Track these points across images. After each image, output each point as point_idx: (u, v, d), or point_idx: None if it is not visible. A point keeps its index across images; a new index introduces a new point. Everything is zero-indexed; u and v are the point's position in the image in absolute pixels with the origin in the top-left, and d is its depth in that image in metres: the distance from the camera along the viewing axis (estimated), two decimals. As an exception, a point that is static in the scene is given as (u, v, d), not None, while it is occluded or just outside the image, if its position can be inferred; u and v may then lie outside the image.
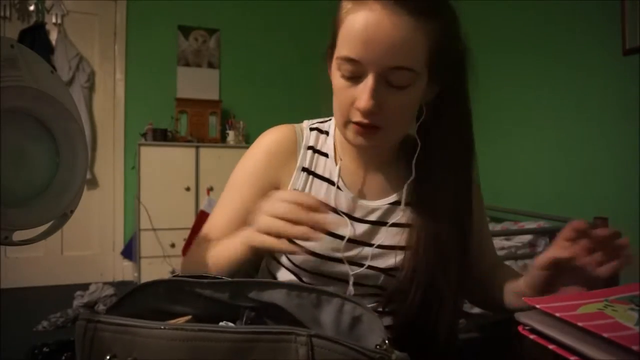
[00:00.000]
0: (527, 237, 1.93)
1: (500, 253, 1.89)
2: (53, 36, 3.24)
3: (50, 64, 0.51)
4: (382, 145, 0.72)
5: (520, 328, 0.49)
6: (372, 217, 0.75)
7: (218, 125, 3.45)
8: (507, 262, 1.84)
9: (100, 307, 2.72)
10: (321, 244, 0.73)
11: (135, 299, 0.52)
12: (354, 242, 0.74)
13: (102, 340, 0.41)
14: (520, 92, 2.52)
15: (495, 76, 2.69)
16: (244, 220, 0.71)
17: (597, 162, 2.07)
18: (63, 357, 0.48)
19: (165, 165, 3.09)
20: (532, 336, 0.48)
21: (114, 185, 3.48)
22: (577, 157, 2.18)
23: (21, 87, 0.46)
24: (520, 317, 0.49)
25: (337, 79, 0.66)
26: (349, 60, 0.62)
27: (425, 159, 0.72)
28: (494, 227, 2.29)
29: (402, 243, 0.73)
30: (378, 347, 0.41)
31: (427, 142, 0.72)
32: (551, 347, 0.45)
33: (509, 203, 2.57)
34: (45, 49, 3.14)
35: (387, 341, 0.41)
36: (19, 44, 0.47)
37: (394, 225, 0.75)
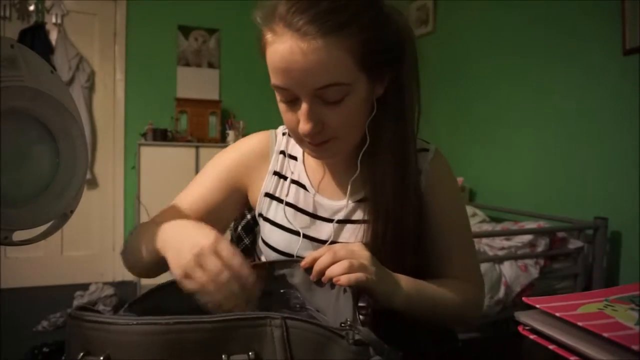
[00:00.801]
0: (527, 237, 1.93)
1: (500, 253, 1.89)
2: (53, 36, 3.24)
3: (50, 64, 0.51)
4: (341, 154, 0.72)
5: (520, 328, 0.49)
6: (339, 216, 0.76)
7: (218, 125, 3.45)
8: (507, 262, 1.86)
9: (101, 307, 2.72)
10: (290, 244, 0.76)
11: (155, 298, 0.53)
12: (321, 242, 0.75)
13: (79, 337, 0.42)
14: (520, 92, 2.52)
15: (495, 76, 2.69)
16: (199, 212, 0.77)
17: (597, 162, 2.07)
18: (63, 357, 0.49)
19: (165, 165, 3.09)
20: (532, 336, 0.48)
21: (114, 185, 3.48)
22: (577, 157, 2.18)
23: (21, 87, 0.46)
24: (521, 317, 0.49)
25: (279, 103, 0.68)
26: (279, 88, 0.64)
27: (375, 153, 0.72)
28: (494, 227, 2.29)
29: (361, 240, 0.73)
30: (343, 324, 0.43)
31: (375, 136, 0.72)
32: (551, 347, 0.45)
33: (509, 203, 2.57)
34: (45, 49, 3.14)
35: (348, 320, 0.44)
36: (19, 44, 0.47)
37: (353, 222, 0.75)
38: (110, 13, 3.43)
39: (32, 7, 3.18)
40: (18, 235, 0.48)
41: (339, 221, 0.76)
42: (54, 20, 3.24)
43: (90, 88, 3.39)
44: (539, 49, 2.38)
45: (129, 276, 3.46)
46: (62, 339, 0.54)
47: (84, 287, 2.94)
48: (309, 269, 0.61)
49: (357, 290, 0.57)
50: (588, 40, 2.10)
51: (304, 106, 0.63)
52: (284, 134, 0.84)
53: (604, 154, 2.04)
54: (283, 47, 0.60)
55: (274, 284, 0.62)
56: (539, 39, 2.38)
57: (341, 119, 0.65)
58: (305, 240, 0.75)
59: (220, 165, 0.82)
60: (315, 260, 0.60)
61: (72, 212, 0.54)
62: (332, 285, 0.57)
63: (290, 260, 0.64)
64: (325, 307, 0.59)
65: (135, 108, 3.48)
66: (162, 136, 3.18)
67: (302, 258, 0.62)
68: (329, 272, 0.58)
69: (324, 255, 0.59)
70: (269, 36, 0.63)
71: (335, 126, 0.65)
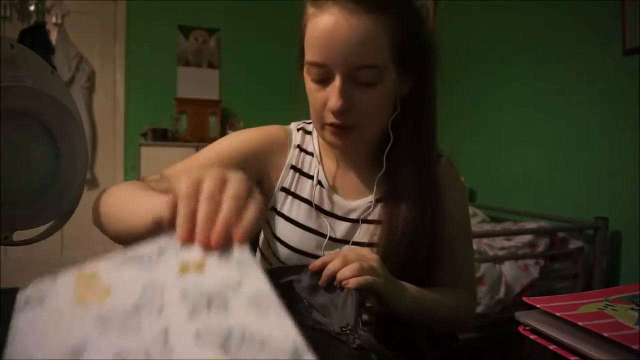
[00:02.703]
0: (527, 237, 1.93)
1: (500, 253, 1.89)
2: (53, 36, 3.24)
3: (50, 64, 0.51)
4: (359, 144, 0.72)
5: (520, 328, 0.49)
6: (353, 216, 0.76)
7: (218, 125, 3.45)
8: (507, 262, 1.86)
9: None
10: (303, 241, 0.75)
11: None
12: (335, 240, 0.75)
13: None
14: (520, 92, 2.52)
15: (495, 76, 2.69)
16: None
17: (597, 162, 2.07)
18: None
19: (165, 165, 3.02)
20: (532, 336, 0.48)
21: (114, 185, 3.47)
22: (577, 157, 2.18)
23: (21, 87, 0.46)
24: (521, 317, 0.49)
25: (309, 83, 0.68)
26: (315, 64, 0.65)
27: (395, 155, 0.73)
28: (494, 227, 2.29)
29: (376, 240, 0.74)
30: (343, 329, 0.42)
31: (397, 136, 0.73)
32: (552, 347, 0.45)
33: (509, 203, 2.57)
34: (45, 49, 3.14)
35: (349, 325, 0.45)
36: (19, 44, 0.47)
37: (369, 222, 0.75)
38: (110, 13, 3.43)
39: (32, 7, 3.18)
40: (18, 235, 0.48)
41: (353, 220, 0.76)
42: (54, 20, 3.24)
43: (90, 88, 3.39)
44: (539, 48, 2.38)
45: (129, 276, 3.46)
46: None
47: (84, 287, 2.94)
48: (316, 273, 0.61)
49: (364, 295, 0.57)
50: (588, 40, 2.10)
51: (338, 82, 0.64)
52: (298, 129, 0.83)
53: (604, 154, 2.04)
54: (328, 19, 0.61)
55: (280, 288, 0.61)
56: (539, 39, 2.38)
57: (370, 103, 0.65)
58: (320, 238, 0.75)
59: (237, 145, 0.77)
60: (324, 264, 0.60)
61: (72, 212, 0.54)
62: (341, 288, 0.57)
63: (297, 266, 0.63)
64: (332, 311, 0.59)
65: (135, 108, 3.48)
66: (162, 136, 3.18)
67: (309, 263, 0.62)
68: (340, 275, 0.58)
69: (334, 260, 0.60)
70: (312, 10, 0.64)
71: (363, 110, 0.66)
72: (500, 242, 1.96)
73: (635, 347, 0.38)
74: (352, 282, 0.56)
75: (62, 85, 0.52)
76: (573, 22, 2.17)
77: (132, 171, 3.38)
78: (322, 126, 0.70)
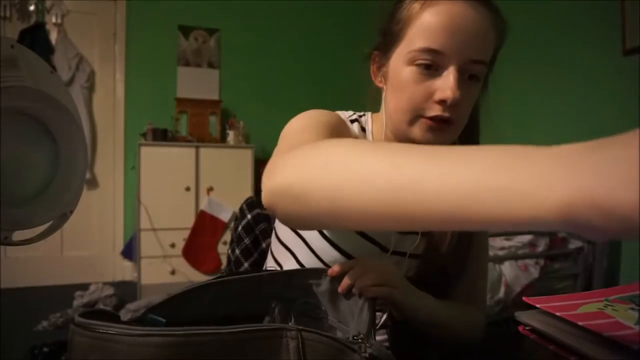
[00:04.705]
0: (527, 237, 1.93)
1: (500, 253, 1.89)
2: (53, 36, 3.24)
3: (50, 64, 0.51)
4: (447, 142, 0.69)
5: (520, 328, 0.49)
6: None
7: (218, 125, 3.45)
8: (507, 262, 1.86)
9: (101, 308, 2.72)
10: (357, 248, 0.73)
11: (171, 305, 0.53)
12: (386, 250, 0.75)
13: (80, 346, 0.40)
14: (520, 92, 2.52)
15: (494, 76, 2.69)
16: None
17: (597, 162, 2.07)
18: (63, 357, 0.48)
19: (165, 165, 3.09)
20: (532, 336, 0.48)
21: (114, 185, 3.48)
22: (577, 157, 2.18)
23: (21, 87, 0.46)
24: (521, 317, 0.49)
25: (409, 74, 0.64)
26: (429, 51, 0.62)
27: None
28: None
29: (417, 251, 0.74)
30: (355, 337, 0.43)
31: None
32: (551, 347, 0.45)
33: (509, 203, 2.57)
34: (45, 49, 3.14)
35: (361, 333, 0.44)
36: (19, 44, 0.47)
37: (413, 233, 0.75)
38: (110, 13, 3.43)
39: (32, 7, 3.18)
40: (18, 235, 0.48)
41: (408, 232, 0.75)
42: (54, 20, 3.24)
43: (90, 88, 3.39)
44: (538, 48, 2.38)
45: (129, 276, 3.46)
46: (62, 339, 0.54)
47: (84, 287, 2.94)
48: (334, 278, 0.60)
49: (380, 305, 0.58)
50: (588, 40, 2.10)
51: (454, 72, 0.62)
52: (352, 121, 0.78)
53: (604, 154, 2.04)
54: (455, 9, 0.61)
55: (298, 291, 0.61)
56: (538, 39, 2.38)
57: (470, 101, 0.66)
58: (374, 247, 0.74)
59: (323, 119, 0.68)
60: (343, 271, 0.60)
61: (71, 212, 0.54)
62: (360, 295, 0.57)
63: (317, 269, 0.63)
64: (349, 319, 0.59)
65: (135, 108, 3.48)
66: (162, 136, 3.18)
67: (328, 268, 0.62)
68: (359, 283, 0.58)
69: (354, 268, 0.59)
70: (422, 2, 0.63)
71: (465, 106, 0.66)
72: (500, 242, 1.96)
73: (635, 347, 0.38)
74: (371, 292, 0.56)
75: (62, 85, 0.52)
76: (573, 22, 2.18)
77: (132, 171, 3.39)
78: (414, 119, 0.66)
